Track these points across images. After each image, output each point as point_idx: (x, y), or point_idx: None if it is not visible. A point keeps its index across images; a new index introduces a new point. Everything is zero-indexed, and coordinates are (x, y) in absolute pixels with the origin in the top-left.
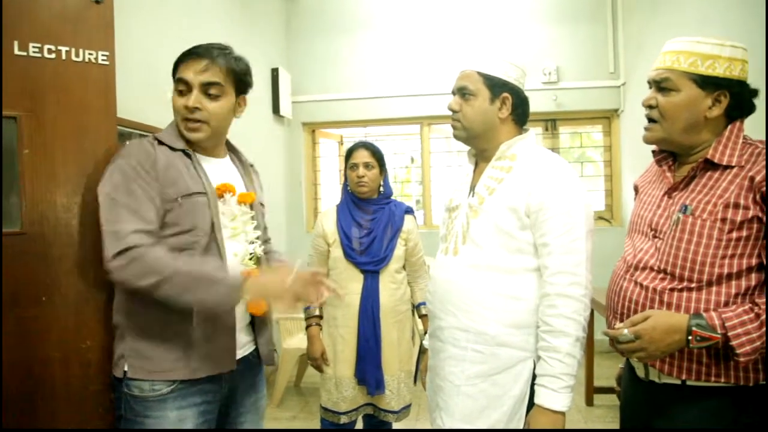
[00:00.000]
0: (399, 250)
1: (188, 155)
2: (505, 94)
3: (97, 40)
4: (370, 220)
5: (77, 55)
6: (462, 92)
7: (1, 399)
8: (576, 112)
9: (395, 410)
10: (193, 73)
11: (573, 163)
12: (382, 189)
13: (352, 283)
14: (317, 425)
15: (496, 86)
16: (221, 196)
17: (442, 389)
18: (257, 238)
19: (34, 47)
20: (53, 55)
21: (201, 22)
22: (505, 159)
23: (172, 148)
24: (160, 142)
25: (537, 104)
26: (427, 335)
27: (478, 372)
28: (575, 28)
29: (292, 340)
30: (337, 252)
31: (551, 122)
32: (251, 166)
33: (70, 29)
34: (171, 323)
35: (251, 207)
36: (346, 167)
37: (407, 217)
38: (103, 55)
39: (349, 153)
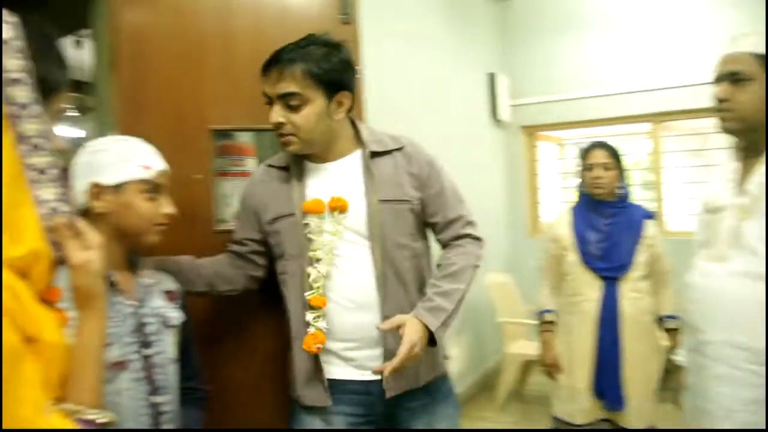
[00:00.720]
0: (642, 257)
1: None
2: None
3: None
4: (608, 224)
5: None
6: (734, 78)
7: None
8: None
9: (638, 429)
10: (269, 86)
11: None
12: (620, 191)
13: (589, 289)
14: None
15: None
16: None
17: (709, 413)
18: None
19: None
20: None
21: (417, 34)
22: None
23: (280, 168)
24: (271, 166)
25: None
26: (679, 350)
27: (755, 397)
28: None
29: (515, 345)
30: (572, 257)
31: None
32: (399, 149)
33: None
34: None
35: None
36: (582, 169)
37: (649, 222)
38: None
39: (585, 153)
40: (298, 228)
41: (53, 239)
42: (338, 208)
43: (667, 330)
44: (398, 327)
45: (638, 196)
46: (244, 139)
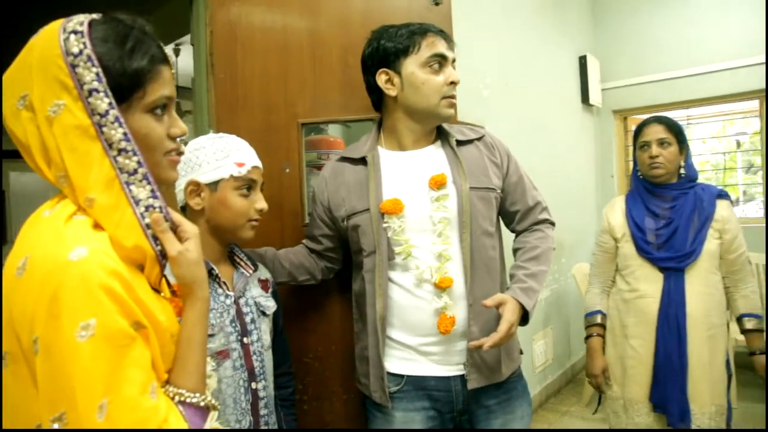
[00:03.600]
0: (711, 244)
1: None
2: None
3: None
4: (670, 209)
5: None
6: None
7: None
8: None
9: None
10: (445, 48)
11: None
12: (683, 171)
13: (648, 284)
14: None
15: None
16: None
17: None
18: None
19: None
20: None
21: (508, 17)
22: None
23: (354, 160)
24: (344, 159)
25: None
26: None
27: None
28: None
29: None
30: (627, 248)
31: None
32: (479, 139)
33: None
34: (357, 335)
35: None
36: (635, 149)
37: (720, 203)
38: None
39: (639, 131)
40: (374, 223)
41: (152, 235)
42: (438, 185)
43: (744, 332)
44: (499, 305)
45: (740, 181)
46: (334, 132)
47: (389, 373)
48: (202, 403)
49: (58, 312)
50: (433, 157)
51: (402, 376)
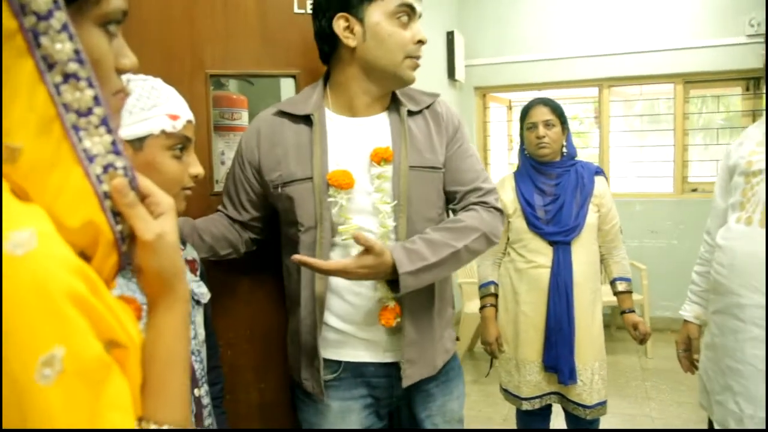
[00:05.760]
0: (591, 218)
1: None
2: None
3: None
4: (555, 185)
5: None
6: None
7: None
8: None
9: (588, 405)
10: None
11: None
12: (565, 150)
13: (540, 256)
14: (494, 390)
15: None
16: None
17: (741, 373)
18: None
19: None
20: None
21: None
22: None
23: (294, 117)
24: (283, 113)
25: (739, 61)
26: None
27: None
28: None
29: (472, 304)
30: (519, 223)
31: (754, 81)
32: (428, 107)
33: None
34: (290, 322)
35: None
36: (522, 129)
37: (598, 179)
38: None
39: (525, 112)
40: (316, 195)
41: (111, 208)
42: (380, 160)
43: (617, 294)
44: (368, 249)
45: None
46: (234, 89)
47: (324, 359)
48: None
49: (4, 341)
50: (381, 128)
51: (339, 362)
